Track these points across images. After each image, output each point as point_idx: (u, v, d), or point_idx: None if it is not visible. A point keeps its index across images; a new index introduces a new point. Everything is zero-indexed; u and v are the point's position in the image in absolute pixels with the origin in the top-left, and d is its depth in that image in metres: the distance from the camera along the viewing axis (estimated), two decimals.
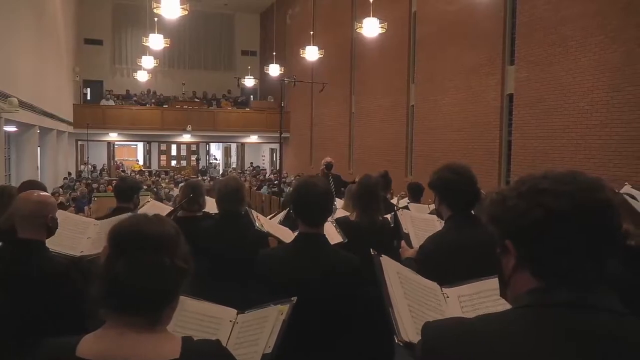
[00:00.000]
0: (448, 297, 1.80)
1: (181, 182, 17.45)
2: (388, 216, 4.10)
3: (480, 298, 1.75)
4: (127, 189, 3.81)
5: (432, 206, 5.06)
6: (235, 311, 1.92)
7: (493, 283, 1.71)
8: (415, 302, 1.68)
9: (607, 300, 0.95)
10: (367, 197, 3.57)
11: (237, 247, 3.28)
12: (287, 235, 3.20)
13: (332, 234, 3.08)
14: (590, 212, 0.95)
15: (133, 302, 1.21)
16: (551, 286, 0.97)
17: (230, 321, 1.89)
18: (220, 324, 1.88)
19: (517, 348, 0.92)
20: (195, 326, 1.84)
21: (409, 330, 1.52)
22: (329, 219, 3.55)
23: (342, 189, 7.60)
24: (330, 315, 2.13)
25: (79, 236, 3.05)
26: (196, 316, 1.85)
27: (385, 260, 1.77)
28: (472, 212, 2.39)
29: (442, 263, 2.21)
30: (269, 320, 1.81)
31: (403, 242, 2.81)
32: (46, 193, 2.54)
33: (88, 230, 3.15)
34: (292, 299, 1.86)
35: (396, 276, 1.74)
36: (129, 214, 3.18)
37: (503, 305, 1.60)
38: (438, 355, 1.01)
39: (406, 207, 5.19)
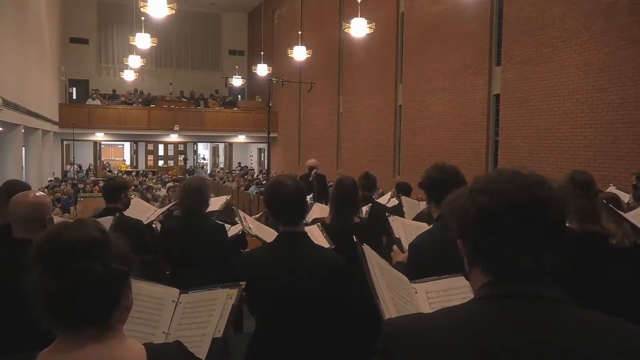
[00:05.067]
0: (416, 292, 1.83)
1: (168, 182, 17.35)
2: (365, 208, 4.09)
3: (448, 295, 1.79)
4: (113, 189, 3.79)
5: (423, 203, 5.09)
6: (178, 291, 1.90)
7: (460, 281, 1.76)
8: (395, 294, 1.72)
9: (547, 290, 0.99)
10: (340, 199, 3.57)
11: (197, 247, 3.28)
12: (272, 237, 3.20)
13: (319, 239, 3.06)
14: (523, 208, 0.99)
15: (75, 316, 1.14)
16: (496, 281, 1.02)
17: (173, 301, 1.87)
18: (162, 305, 1.86)
19: (463, 339, 0.97)
20: (139, 307, 1.78)
21: (393, 315, 1.56)
22: (315, 221, 3.55)
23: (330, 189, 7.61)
24: (313, 315, 2.12)
25: None
26: (138, 297, 1.79)
27: (367, 249, 1.80)
28: None
29: (431, 261, 2.23)
30: (217, 304, 1.80)
31: (395, 247, 2.82)
32: (41, 193, 2.53)
33: None
34: (241, 283, 1.86)
35: (377, 266, 1.77)
36: (109, 217, 3.16)
37: None
38: (396, 350, 1.04)
39: (399, 204, 5.19)
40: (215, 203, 5.28)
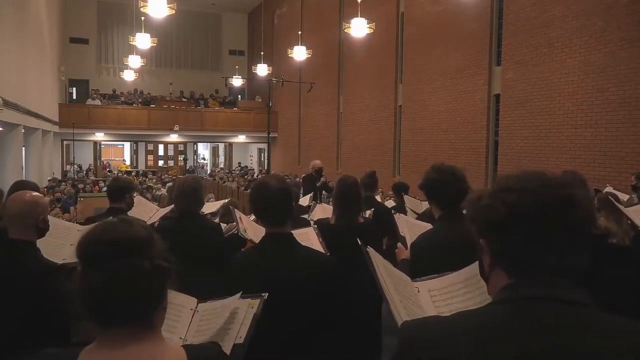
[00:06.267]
0: (419, 291, 1.83)
1: (168, 182, 17.34)
2: (368, 212, 4.10)
3: (450, 292, 1.79)
4: (118, 189, 3.77)
5: (425, 203, 5.10)
6: (196, 300, 1.92)
7: (459, 276, 1.77)
8: (402, 296, 1.72)
9: (572, 293, 0.99)
10: (343, 199, 3.57)
11: (194, 247, 3.27)
12: None
13: (315, 244, 3.05)
14: (551, 208, 0.98)
15: (120, 314, 1.14)
16: (520, 282, 1.01)
17: (191, 309, 1.89)
18: (181, 312, 1.87)
19: (485, 343, 0.95)
20: None
21: (405, 318, 1.56)
22: (313, 226, 3.54)
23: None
24: (302, 316, 2.10)
25: (61, 242, 2.93)
26: None
27: (372, 252, 1.80)
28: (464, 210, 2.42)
29: (432, 261, 2.23)
30: (239, 312, 1.81)
31: (399, 245, 2.83)
32: (38, 194, 2.50)
33: (71, 236, 3.03)
34: (263, 294, 1.85)
35: (383, 268, 1.77)
36: (111, 218, 3.15)
37: (473, 299, 1.66)
38: (414, 354, 1.03)
39: (401, 204, 5.20)
40: (213, 206, 5.30)
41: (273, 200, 2.18)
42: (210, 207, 5.21)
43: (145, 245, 1.19)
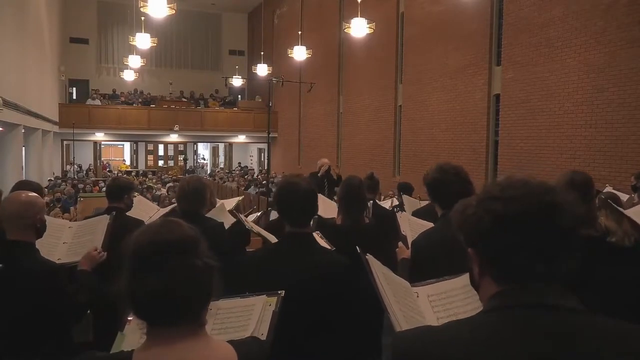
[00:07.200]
0: (418, 295, 1.83)
1: (168, 182, 17.35)
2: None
3: (449, 297, 1.79)
4: (117, 189, 3.76)
5: (423, 203, 5.10)
6: None
7: (459, 282, 1.76)
8: (402, 304, 1.72)
9: (562, 298, 0.99)
10: (349, 199, 3.57)
11: None
12: (273, 238, 3.19)
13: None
14: (537, 214, 0.98)
15: (176, 313, 1.16)
16: (510, 290, 1.01)
17: None
18: None
19: (478, 352, 0.95)
20: None
21: (404, 326, 1.56)
22: (316, 232, 3.54)
23: (335, 188, 7.60)
24: (318, 315, 2.11)
25: (54, 241, 2.90)
26: None
27: (371, 259, 1.80)
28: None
29: (432, 259, 2.23)
30: (255, 309, 1.80)
31: (400, 243, 2.83)
32: (34, 194, 2.48)
33: (63, 234, 3.01)
34: (280, 292, 1.85)
35: (383, 276, 1.77)
36: (105, 215, 3.14)
37: (472, 304, 1.65)
38: None
39: (400, 205, 5.20)
40: (231, 203, 5.28)
41: (302, 201, 2.22)
42: (227, 204, 5.18)
43: (196, 245, 1.23)
